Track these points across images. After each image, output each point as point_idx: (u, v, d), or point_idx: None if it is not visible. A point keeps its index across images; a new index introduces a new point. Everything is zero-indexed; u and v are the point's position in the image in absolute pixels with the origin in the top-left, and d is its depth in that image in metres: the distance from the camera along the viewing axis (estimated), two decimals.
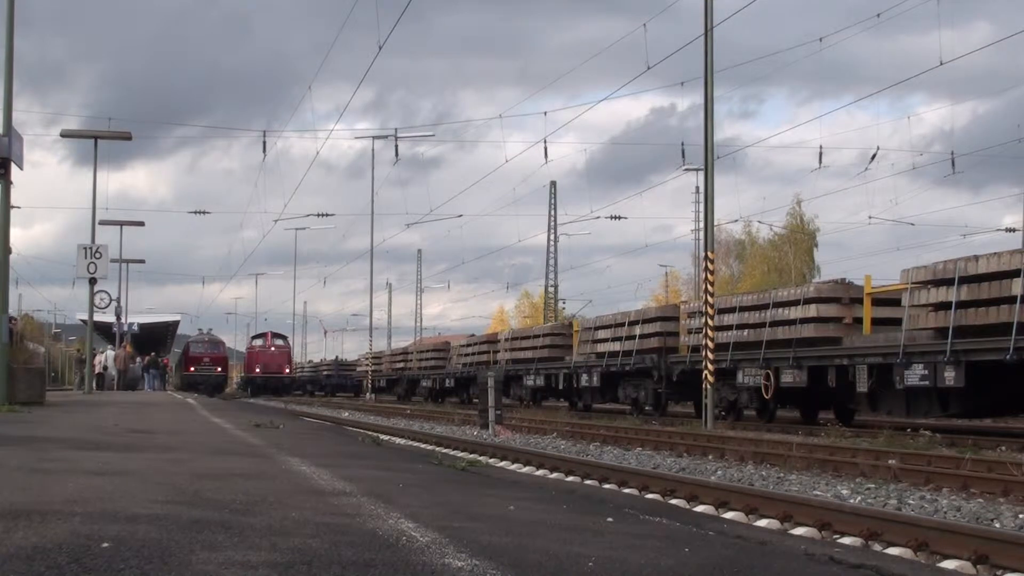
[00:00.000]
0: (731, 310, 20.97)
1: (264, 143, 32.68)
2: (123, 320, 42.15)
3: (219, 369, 55.41)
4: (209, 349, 55.84)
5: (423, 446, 15.30)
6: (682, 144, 32.09)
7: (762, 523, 7.18)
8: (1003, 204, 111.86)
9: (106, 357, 39.65)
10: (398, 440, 16.94)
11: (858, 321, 18.57)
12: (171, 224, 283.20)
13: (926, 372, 15.52)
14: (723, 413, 20.71)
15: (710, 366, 19.16)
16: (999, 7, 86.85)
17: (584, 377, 27.09)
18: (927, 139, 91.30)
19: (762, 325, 19.81)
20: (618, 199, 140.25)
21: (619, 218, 46.97)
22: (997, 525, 7.26)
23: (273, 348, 56.68)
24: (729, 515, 7.58)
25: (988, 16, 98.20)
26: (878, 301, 18.53)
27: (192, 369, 54.37)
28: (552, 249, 69.84)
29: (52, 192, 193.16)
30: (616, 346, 25.60)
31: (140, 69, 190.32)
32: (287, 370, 56.50)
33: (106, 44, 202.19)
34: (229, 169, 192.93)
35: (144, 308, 69.31)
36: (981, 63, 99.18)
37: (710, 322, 19.44)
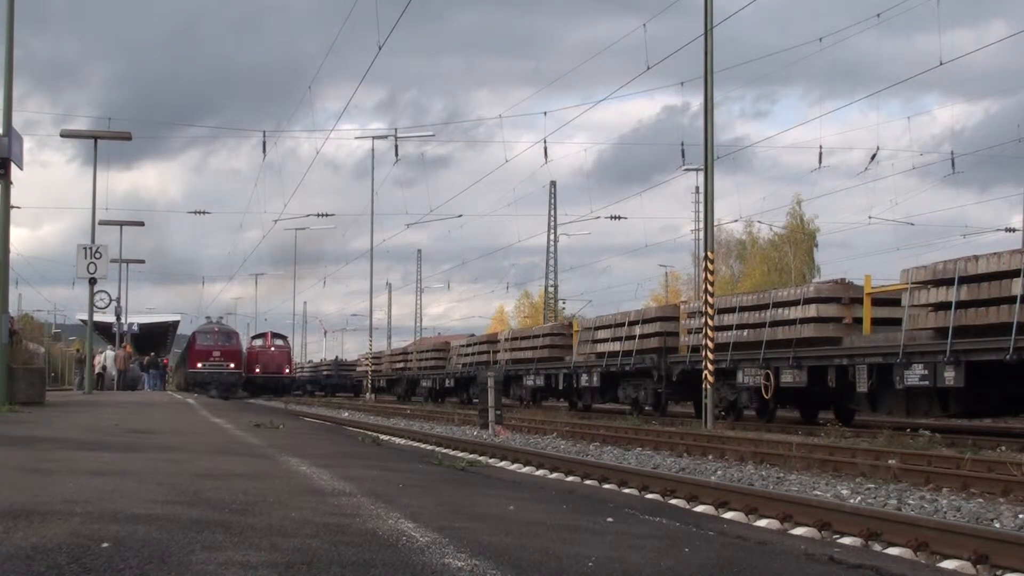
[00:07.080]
0: (731, 310, 20.97)
1: (264, 143, 32.65)
2: (123, 320, 42.17)
3: (232, 365, 48.27)
4: (220, 341, 49.01)
5: (423, 446, 15.30)
6: (682, 144, 31.98)
7: (762, 523, 7.19)
8: (1008, 204, 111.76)
9: (106, 357, 39.68)
10: (398, 440, 16.94)
11: (858, 321, 18.56)
12: (177, 224, 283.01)
13: (926, 372, 15.52)
14: (723, 413, 20.71)
15: (710, 366, 19.16)
16: (1015, 5, 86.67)
17: (584, 377, 27.08)
18: (936, 139, 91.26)
19: (762, 325, 19.81)
20: (622, 199, 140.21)
21: (618, 218, 46.99)
22: (997, 525, 7.25)
23: (273, 348, 56.02)
24: (729, 515, 7.58)
25: (1004, 15, 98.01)
26: (878, 301, 18.52)
27: (199, 365, 47.76)
28: (552, 249, 69.88)
29: (60, 192, 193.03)
30: (616, 346, 25.59)
31: (151, 69, 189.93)
32: (287, 370, 55.88)
33: (118, 43, 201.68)
34: (237, 169, 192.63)
35: (145, 308, 69.34)
36: (996, 62, 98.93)
37: (710, 322, 19.45)
